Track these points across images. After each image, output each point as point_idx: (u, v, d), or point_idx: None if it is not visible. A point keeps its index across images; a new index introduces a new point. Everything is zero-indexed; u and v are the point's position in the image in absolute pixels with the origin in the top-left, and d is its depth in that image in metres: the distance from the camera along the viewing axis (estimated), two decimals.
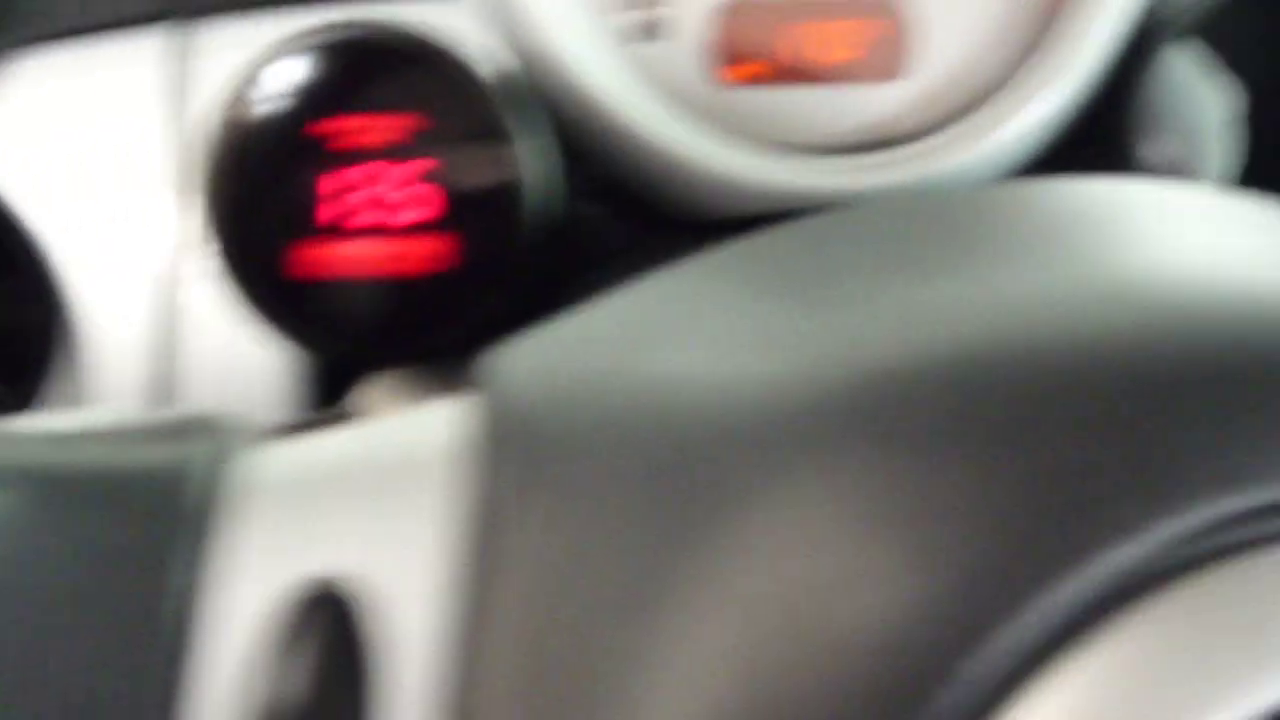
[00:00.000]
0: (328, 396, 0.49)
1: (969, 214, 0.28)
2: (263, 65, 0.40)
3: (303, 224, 0.40)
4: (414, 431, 0.26)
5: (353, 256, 0.40)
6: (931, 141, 0.45)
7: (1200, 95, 0.46)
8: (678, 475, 0.22)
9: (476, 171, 0.40)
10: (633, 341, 0.25)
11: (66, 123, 0.52)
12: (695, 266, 0.28)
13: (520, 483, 0.23)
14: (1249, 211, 0.27)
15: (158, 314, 0.52)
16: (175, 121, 0.51)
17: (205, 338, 0.50)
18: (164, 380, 0.52)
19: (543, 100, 0.43)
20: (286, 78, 0.40)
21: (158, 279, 0.52)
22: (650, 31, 0.45)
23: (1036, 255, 0.25)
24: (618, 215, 0.48)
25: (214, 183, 0.40)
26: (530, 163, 0.41)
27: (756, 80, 0.45)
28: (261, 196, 0.40)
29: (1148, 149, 0.45)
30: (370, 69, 0.40)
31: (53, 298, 0.53)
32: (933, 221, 0.28)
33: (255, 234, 0.40)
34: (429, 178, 0.40)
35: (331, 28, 0.40)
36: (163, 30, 0.53)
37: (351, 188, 0.40)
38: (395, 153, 0.40)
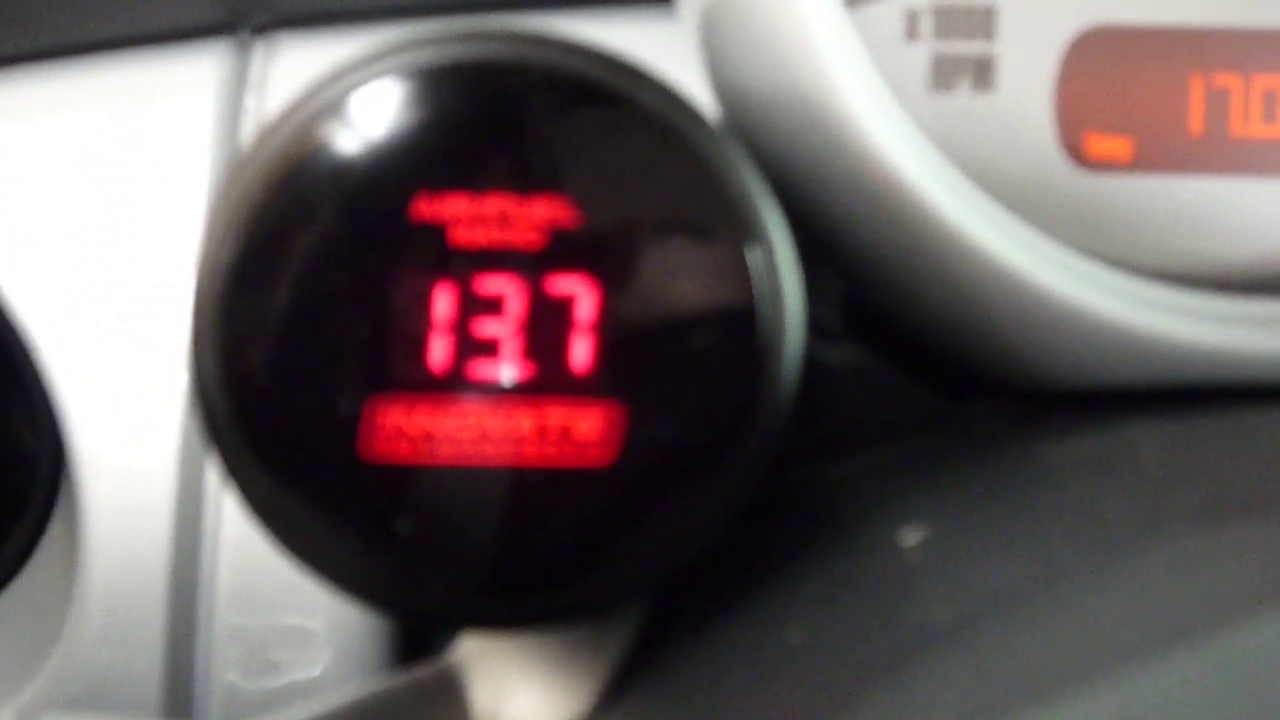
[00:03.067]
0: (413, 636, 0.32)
1: None
2: (347, 86, 0.23)
3: (397, 371, 0.23)
4: None
5: (476, 431, 0.23)
6: None
7: None
8: None
9: (690, 290, 0.23)
10: None
11: (72, 174, 0.36)
12: None
13: None
14: None
15: (185, 454, 0.36)
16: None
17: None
18: (190, 547, 0.35)
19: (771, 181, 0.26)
20: (384, 115, 0.23)
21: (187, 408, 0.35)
22: (977, 76, 0.28)
23: None
24: (893, 372, 0.30)
25: (231, 281, 0.23)
26: (769, 282, 0.24)
27: (1136, 165, 0.28)
28: (322, 317, 0.23)
29: None
30: (522, 112, 0.23)
31: (52, 422, 0.37)
32: None
33: (305, 384, 0.23)
34: (609, 300, 0.23)
35: (463, 36, 0.24)
36: (221, 46, 0.37)
37: (479, 313, 0.23)
38: (553, 257, 0.23)
